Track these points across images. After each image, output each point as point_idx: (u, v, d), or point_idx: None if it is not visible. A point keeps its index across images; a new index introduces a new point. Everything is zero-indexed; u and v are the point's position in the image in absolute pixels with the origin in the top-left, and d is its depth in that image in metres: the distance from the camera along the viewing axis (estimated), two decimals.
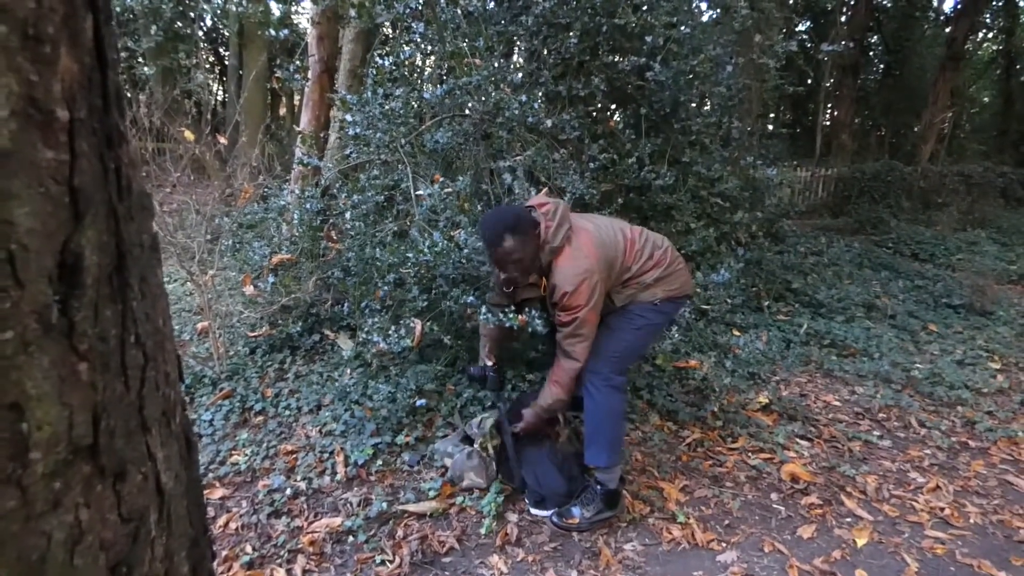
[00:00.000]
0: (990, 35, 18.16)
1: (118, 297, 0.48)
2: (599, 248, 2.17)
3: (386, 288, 2.79)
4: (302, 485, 2.38)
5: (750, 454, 2.80)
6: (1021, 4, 16.00)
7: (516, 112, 2.94)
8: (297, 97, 10.37)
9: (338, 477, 2.45)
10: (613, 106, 4.37)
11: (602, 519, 2.26)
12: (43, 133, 0.39)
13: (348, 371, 3.08)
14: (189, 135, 3.36)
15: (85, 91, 0.43)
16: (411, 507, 2.29)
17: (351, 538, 2.14)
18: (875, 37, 15.42)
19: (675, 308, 2.41)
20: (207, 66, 13.13)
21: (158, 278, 0.58)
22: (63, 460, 0.45)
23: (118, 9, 9.29)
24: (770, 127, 10.93)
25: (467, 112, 3.15)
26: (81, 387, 0.45)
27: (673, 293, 2.32)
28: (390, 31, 4.28)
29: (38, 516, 0.45)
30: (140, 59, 9.80)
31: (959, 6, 12.49)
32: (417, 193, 2.87)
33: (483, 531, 2.20)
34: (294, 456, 2.58)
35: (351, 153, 3.39)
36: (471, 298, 2.61)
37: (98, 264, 0.45)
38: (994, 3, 15.28)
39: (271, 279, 3.20)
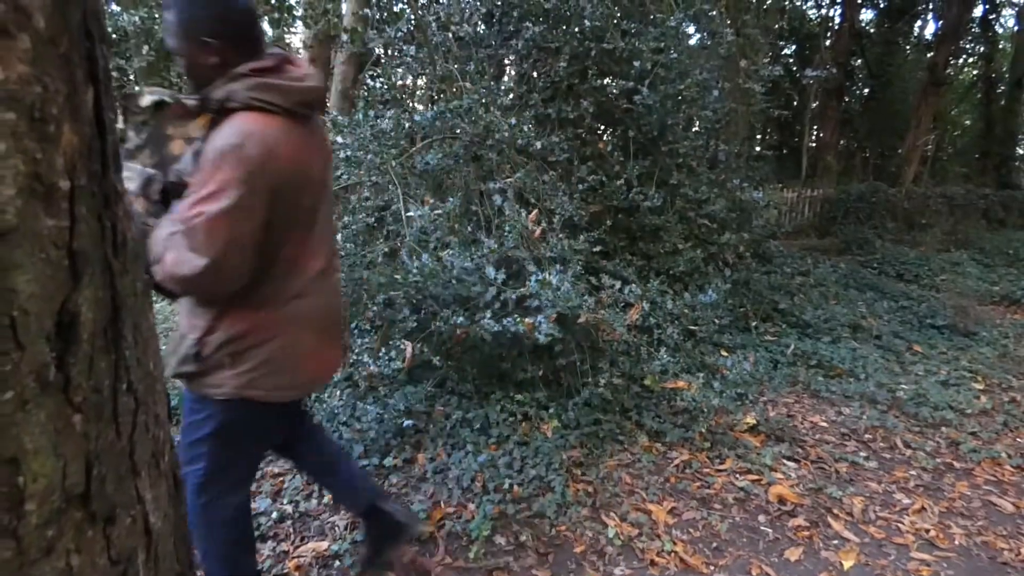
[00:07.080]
0: (971, 60, 18.55)
1: (112, 348, 0.49)
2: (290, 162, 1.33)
3: (376, 309, 2.79)
4: (288, 508, 2.37)
5: (738, 475, 2.81)
6: (1000, 31, 16.41)
7: (506, 134, 2.99)
8: None
9: (325, 500, 2.43)
10: (602, 129, 4.43)
11: None
12: (45, 204, 0.41)
13: (337, 392, 3.07)
14: None
15: (85, 159, 0.45)
16: None
17: (337, 562, 2.12)
18: (859, 61, 15.68)
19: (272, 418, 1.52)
20: None
21: (149, 321, 0.59)
22: (56, 509, 0.46)
23: (110, 29, 9.28)
24: (756, 149, 11.06)
25: (457, 134, 3.18)
26: (75, 438, 0.46)
27: (265, 393, 1.40)
28: (382, 52, 4.32)
29: (31, 563, 0.46)
30: (131, 78, 9.78)
31: (940, 32, 12.77)
32: (408, 214, 2.89)
33: (471, 556, 2.19)
34: (281, 479, 2.56)
35: (342, 174, 3.41)
36: (461, 319, 2.62)
37: (94, 319, 0.46)
38: (974, 29, 15.63)
39: None
